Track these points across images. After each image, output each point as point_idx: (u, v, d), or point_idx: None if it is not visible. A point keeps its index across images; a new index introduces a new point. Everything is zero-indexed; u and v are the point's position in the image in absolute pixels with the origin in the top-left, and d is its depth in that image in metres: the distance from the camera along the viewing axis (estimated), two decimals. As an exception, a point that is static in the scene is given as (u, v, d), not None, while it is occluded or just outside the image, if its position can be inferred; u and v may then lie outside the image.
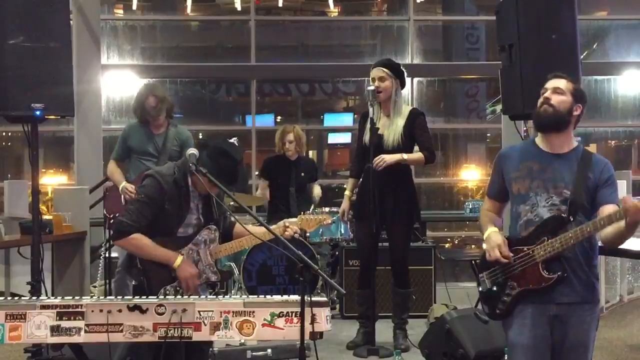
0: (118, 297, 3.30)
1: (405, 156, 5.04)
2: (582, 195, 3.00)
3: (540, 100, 3.12)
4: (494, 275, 3.15)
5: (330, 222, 3.89)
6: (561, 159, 3.08)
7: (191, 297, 3.23)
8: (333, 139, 11.59)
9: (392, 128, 5.10)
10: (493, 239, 3.11)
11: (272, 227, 3.63)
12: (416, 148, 5.18)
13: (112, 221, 5.38)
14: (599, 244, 3.16)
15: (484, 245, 3.18)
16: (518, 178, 3.12)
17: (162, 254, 3.44)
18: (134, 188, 5.20)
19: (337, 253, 6.52)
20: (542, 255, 2.99)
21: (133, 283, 3.66)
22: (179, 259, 3.45)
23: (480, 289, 3.24)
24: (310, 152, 10.62)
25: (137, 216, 3.42)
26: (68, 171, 10.27)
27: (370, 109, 5.01)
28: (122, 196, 5.30)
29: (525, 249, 3.05)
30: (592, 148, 10.81)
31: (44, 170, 10.06)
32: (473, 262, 3.35)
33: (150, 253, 3.43)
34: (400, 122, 5.11)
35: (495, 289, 3.15)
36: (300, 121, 10.78)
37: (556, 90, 3.10)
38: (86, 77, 7.64)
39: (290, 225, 3.65)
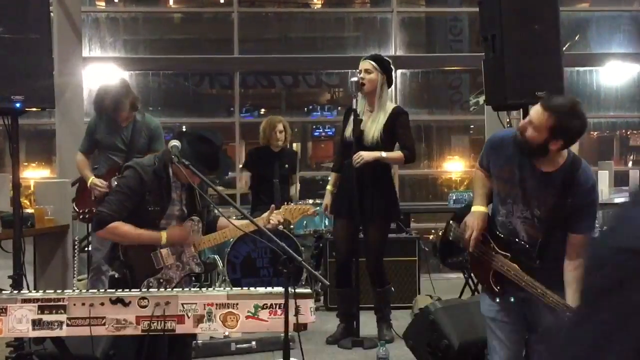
0: (100, 290, 3.28)
1: (384, 154, 4.99)
2: (557, 218, 2.98)
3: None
4: (458, 233, 3.23)
5: (313, 211, 3.88)
6: (544, 178, 3.00)
7: (174, 289, 3.22)
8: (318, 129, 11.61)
9: (374, 124, 5.06)
10: (476, 220, 3.15)
11: (257, 219, 3.63)
12: (397, 146, 5.17)
13: (82, 217, 5.32)
14: None
15: (468, 216, 3.20)
16: (500, 179, 3.12)
17: (146, 235, 3.42)
18: (103, 182, 5.16)
19: (321, 245, 6.52)
20: (499, 268, 3.04)
21: (109, 277, 3.63)
22: (163, 235, 3.44)
23: (446, 234, 3.30)
24: (295, 145, 10.60)
25: (118, 206, 3.40)
26: (50, 165, 10.19)
27: (354, 101, 4.99)
28: (92, 192, 5.23)
29: (492, 245, 3.09)
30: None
31: (26, 164, 9.98)
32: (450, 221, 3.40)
33: (134, 238, 3.41)
34: (382, 118, 5.06)
35: (456, 245, 3.22)
36: (284, 113, 10.76)
37: (531, 123, 2.92)
38: (67, 70, 7.57)
39: (273, 216, 3.64)
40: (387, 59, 5.25)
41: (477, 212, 3.17)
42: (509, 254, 3.05)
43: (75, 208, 5.44)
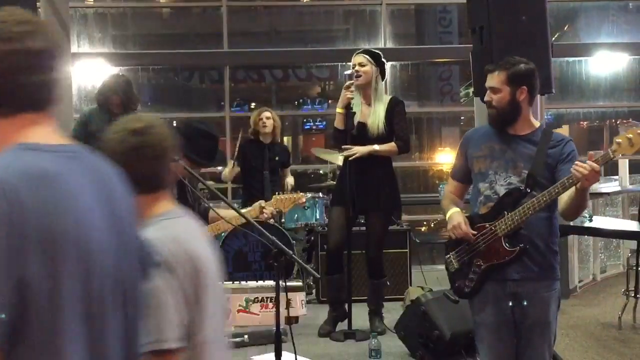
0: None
1: (377, 147, 5.07)
2: (541, 171, 3.04)
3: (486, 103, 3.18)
4: (460, 255, 3.22)
5: (304, 200, 3.89)
6: (521, 140, 3.13)
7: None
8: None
9: (375, 116, 5.11)
10: (455, 218, 3.18)
11: (247, 209, 3.65)
12: None
13: None
14: (563, 222, 3.21)
15: (448, 226, 3.23)
16: (479, 157, 3.18)
17: None
18: None
19: (312, 238, 6.53)
20: (504, 229, 3.05)
21: None
22: None
23: (448, 269, 3.30)
24: (285, 139, 10.61)
25: None
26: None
27: (348, 94, 5.01)
28: None
29: (487, 225, 3.10)
30: (565, 129, 10.92)
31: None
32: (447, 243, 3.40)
33: None
34: (381, 110, 5.12)
35: (462, 268, 3.20)
36: (274, 107, 10.76)
37: (492, 90, 3.13)
38: (56, 66, 7.53)
39: (266, 207, 3.65)
40: (378, 52, 5.28)
41: (452, 214, 3.23)
42: (504, 212, 3.06)
43: None
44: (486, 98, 3.15)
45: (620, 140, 2.78)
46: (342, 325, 5.24)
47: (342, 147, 5.10)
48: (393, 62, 9.93)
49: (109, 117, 5.30)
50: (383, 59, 5.21)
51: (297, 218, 6.22)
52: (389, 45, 9.87)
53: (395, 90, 9.71)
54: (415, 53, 10.41)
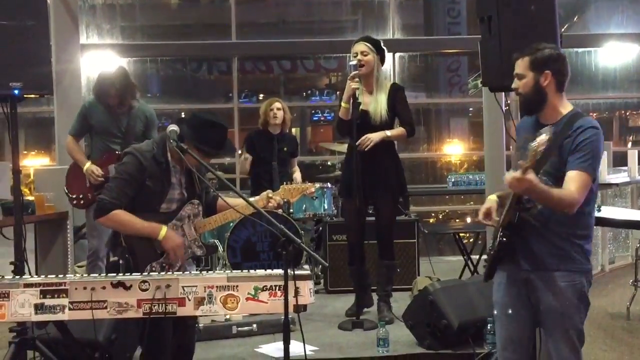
0: (102, 274, 3.31)
1: (388, 133, 5.09)
2: (550, 162, 2.98)
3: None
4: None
5: (313, 190, 3.90)
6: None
7: (175, 273, 3.25)
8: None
9: (378, 104, 5.12)
10: (484, 204, 3.19)
11: (255, 198, 3.66)
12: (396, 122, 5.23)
13: (75, 202, 5.29)
14: (595, 214, 3.19)
15: None
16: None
17: (146, 227, 3.44)
18: (99, 170, 5.15)
19: (320, 228, 6.55)
20: (499, 221, 3.07)
21: (109, 263, 3.65)
22: (163, 230, 3.45)
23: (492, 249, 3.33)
24: (294, 130, 10.62)
25: (118, 193, 3.42)
26: (50, 153, 10.21)
27: (354, 85, 5.00)
28: (87, 178, 5.20)
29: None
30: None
31: (25, 152, 10.00)
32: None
33: (134, 227, 3.43)
34: (383, 97, 5.13)
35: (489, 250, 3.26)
36: (282, 98, 10.75)
37: (518, 77, 3.12)
38: (65, 57, 7.55)
39: (273, 196, 3.66)
40: (378, 39, 5.30)
41: (488, 198, 3.23)
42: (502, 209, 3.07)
43: (68, 193, 5.36)
44: (513, 85, 3.15)
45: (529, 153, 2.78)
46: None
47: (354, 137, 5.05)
48: (401, 53, 9.92)
49: (106, 110, 5.30)
50: (383, 46, 5.24)
51: (306, 208, 6.23)
52: (398, 36, 9.85)
53: (403, 81, 9.69)
54: (423, 44, 10.39)
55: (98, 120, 5.30)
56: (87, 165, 5.21)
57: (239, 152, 6.46)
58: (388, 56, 5.33)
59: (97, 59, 9.15)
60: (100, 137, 5.31)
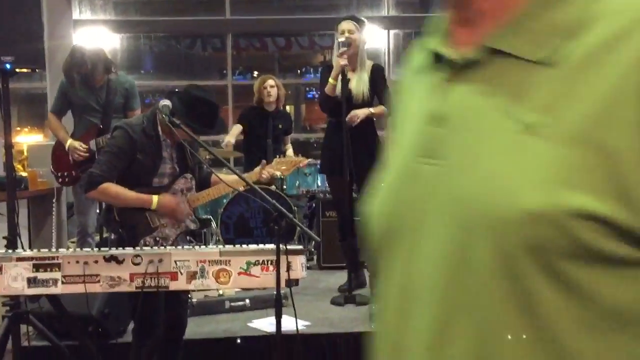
0: (94, 249, 3.32)
1: (372, 110, 5.18)
2: None
3: None
4: None
5: (306, 163, 3.92)
6: None
7: (168, 247, 3.27)
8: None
9: (360, 82, 5.17)
10: None
11: (248, 173, 3.67)
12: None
13: (61, 180, 5.27)
14: None
15: None
16: None
17: (137, 197, 3.45)
18: (82, 146, 5.14)
19: (314, 205, 6.57)
20: None
21: (106, 239, 3.67)
22: (155, 199, 3.46)
23: None
24: (288, 107, 10.60)
25: (108, 167, 3.42)
26: (43, 129, 10.17)
27: (342, 61, 5.00)
28: (70, 155, 5.18)
29: None
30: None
31: (18, 128, 9.96)
32: None
33: (125, 199, 3.43)
34: (365, 76, 5.19)
35: None
36: (277, 75, 10.73)
37: None
38: (57, 33, 7.54)
39: (267, 168, 3.68)
40: (363, 18, 5.35)
41: None
42: None
43: (54, 171, 5.34)
44: None
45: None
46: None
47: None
48: (396, 31, 9.88)
49: (84, 85, 5.23)
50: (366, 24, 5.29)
51: (299, 185, 6.25)
52: (392, 13, 9.81)
53: (397, 59, 9.67)
54: (419, 21, 10.33)
55: (76, 96, 5.26)
56: (69, 142, 5.18)
57: (222, 140, 6.36)
58: (383, 33, 5.33)
59: (90, 34, 9.09)
60: (80, 112, 5.28)
